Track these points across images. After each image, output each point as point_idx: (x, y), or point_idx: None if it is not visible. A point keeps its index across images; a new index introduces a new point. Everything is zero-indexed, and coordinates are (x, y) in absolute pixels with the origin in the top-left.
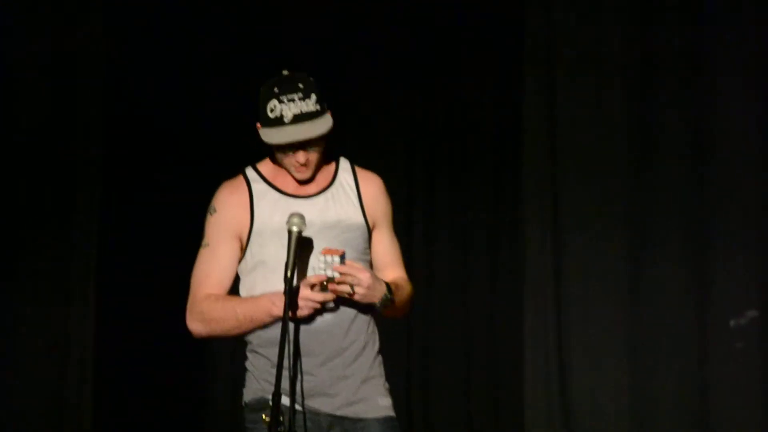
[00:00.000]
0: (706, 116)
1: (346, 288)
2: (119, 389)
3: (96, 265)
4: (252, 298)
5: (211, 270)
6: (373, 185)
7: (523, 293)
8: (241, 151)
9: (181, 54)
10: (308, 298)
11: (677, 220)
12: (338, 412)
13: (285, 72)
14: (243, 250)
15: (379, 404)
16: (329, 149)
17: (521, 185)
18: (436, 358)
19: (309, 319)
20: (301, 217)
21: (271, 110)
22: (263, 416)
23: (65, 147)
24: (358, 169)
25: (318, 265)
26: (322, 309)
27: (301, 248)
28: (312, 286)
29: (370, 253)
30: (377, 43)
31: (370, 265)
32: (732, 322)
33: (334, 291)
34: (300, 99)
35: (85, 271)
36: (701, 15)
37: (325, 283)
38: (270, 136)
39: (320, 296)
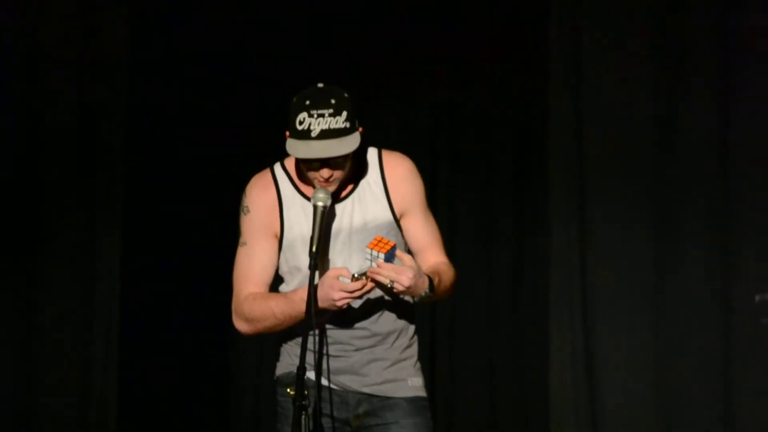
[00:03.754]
0: (731, 99)
1: (385, 280)
2: (144, 372)
3: (120, 255)
4: (288, 296)
5: (250, 269)
6: (398, 172)
7: (549, 284)
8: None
9: (203, 53)
10: (342, 289)
11: (702, 202)
12: (366, 390)
13: (320, 85)
14: (279, 248)
15: (409, 384)
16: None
17: (547, 175)
18: (460, 347)
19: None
20: (326, 192)
21: (300, 122)
22: (288, 390)
23: (87, 131)
24: (384, 156)
25: (365, 258)
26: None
27: (326, 223)
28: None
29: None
30: (401, 32)
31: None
32: (757, 297)
33: (373, 278)
34: (330, 115)
35: (110, 257)
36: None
37: (356, 275)
38: (295, 148)
39: (353, 286)
